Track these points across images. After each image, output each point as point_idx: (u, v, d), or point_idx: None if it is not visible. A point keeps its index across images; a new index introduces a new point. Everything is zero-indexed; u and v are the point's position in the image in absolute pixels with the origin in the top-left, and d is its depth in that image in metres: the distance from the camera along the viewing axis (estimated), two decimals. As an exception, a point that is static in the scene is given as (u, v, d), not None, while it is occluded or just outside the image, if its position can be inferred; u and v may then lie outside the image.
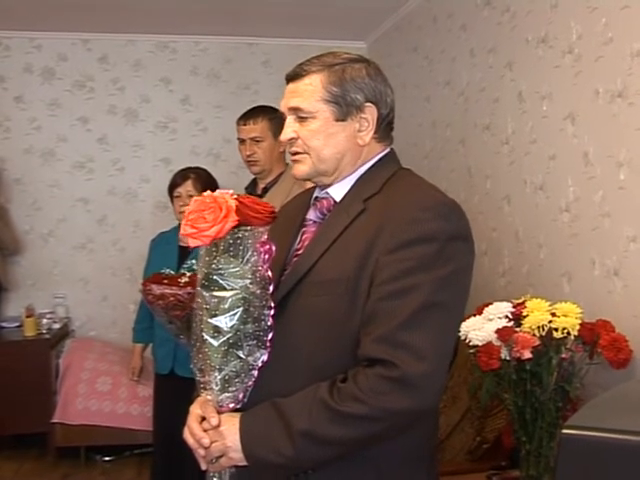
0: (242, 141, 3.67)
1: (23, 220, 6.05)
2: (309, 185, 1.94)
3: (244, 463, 1.62)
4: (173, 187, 3.96)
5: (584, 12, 3.08)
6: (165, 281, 2.54)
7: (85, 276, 6.17)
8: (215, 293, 1.60)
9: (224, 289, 1.60)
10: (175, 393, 3.69)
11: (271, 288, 1.66)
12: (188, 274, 2.60)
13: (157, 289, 2.49)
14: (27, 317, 5.52)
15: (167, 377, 3.92)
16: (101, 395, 5.24)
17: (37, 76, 6.08)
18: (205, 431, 1.65)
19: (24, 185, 6.06)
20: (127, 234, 6.20)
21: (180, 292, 2.43)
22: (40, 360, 5.33)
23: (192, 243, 1.60)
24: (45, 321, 5.66)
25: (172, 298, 2.44)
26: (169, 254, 3.81)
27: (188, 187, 3.89)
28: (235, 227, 1.58)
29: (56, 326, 5.73)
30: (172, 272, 2.67)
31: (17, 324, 5.68)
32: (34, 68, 6.07)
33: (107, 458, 5.37)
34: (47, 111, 6.10)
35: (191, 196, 3.76)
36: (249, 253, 1.60)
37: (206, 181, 3.92)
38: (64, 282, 6.11)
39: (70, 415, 5.19)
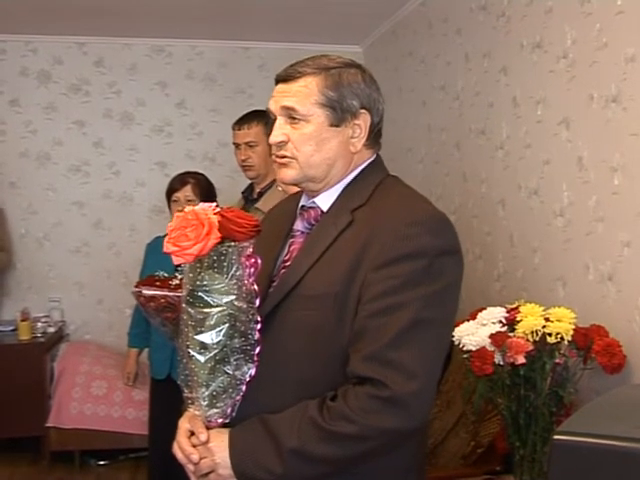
0: (237, 146, 3.67)
1: (18, 223, 6.04)
2: (295, 189, 1.91)
3: (233, 479, 1.61)
4: (171, 192, 3.92)
5: (579, 17, 3.08)
6: (157, 283, 2.55)
7: (80, 280, 6.15)
8: (200, 309, 1.58)
9: (209, 305, 1.57)
10: (171, 398, 3.67)
11: (257, 302, 1.63)
12: (179, 277, 2.61)
13: (147, 291, 2.50)
14: (22, 321, 5.50)
15: (163, 382, 3.90)
16: (96, 399, 5.22)
17: (33, 79, 6.07)
18: (194, 446, 1.64)
19: (19, 189, 6.05)
20: (123, 238, 6.19)
21: (170, 294, 2.43)
22: (35, 364, 5.31)
23: (175, 261, 1.58)
24: (40, 325, 5.65)
25: (162, 300, 2.45)
26: (166, 258, 3.77)
27: (187, 192, 3.85)
28: (219, 242, 1.55)
29: (51, 330, 5.71)
30: (166, 275, 2.67)
31: (12, 328, 5.65)
32: (30, 71, 6.06)
33: (102, 462, 5.35)
34: (43, 114, 6.09)
35: (190, 201, 3.74)
36: (234, 268, 1.58)
37: (205, 186, 3.90)
38: (59, 286, 6.10)
39: (65, 419, 5.18)
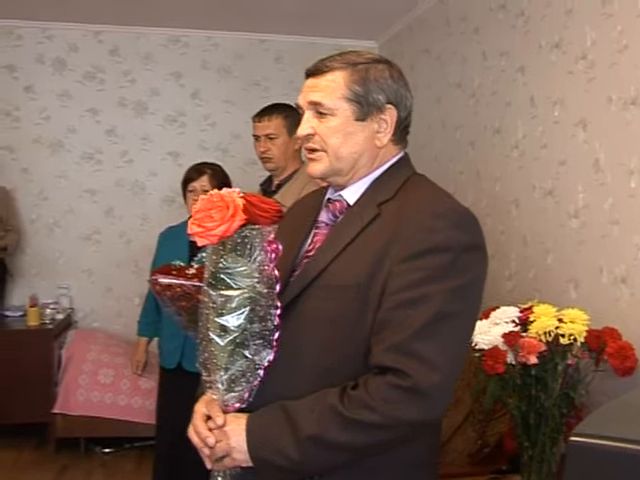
0: (257, 138, 3.67)
1: (30, 209, 6.06)
2: (323, 183, 1.92)
3: (248, 464, 1.61)
4: (188, 181, 3.90)
5: (599, 19, 3.07)
6: (174, 272, 2.56)
7: (90, 267, 6.17)
8: (222, 292, 1.59)
9: (231, 288, 1.58)
10: (181, 388, 3.68)
11: (278, 287, 1.64)
12: (195, 266, 2.61)
13: (164, 279, 2.50)
14: (31, 307, 5.52)
15: (173, 371, 3.90)
16: (103, 387, 5.24)
17: (48, 66, 6.08)
18: (210, 430, 1.64)
19: (32, 174, 6.07)
20: (134, 227, 6.20)
21: (186, 283, 2.44)
22: (43, 350, 5.33)
23: (199, 242, 1.59)
24: (49, 311, 5.67)
25: (178, 289, 2.46)
26: (179, 248, 3.76)
27: (203, 182, 3.84)
28: (242, 226, 1.57)
29: (59, 316, 5.72)
30: (182, 264, 2.68)
31: (21, 313, 5.69)
32: (45, 58, 6.07)
33: (107, 450, 5.37)
34: (57, 102, 6.10)
35: (206, 191, 3.72)
36: (256, 252, 1.59)
37: (221, 178, 3.89)
38: (69, 273, 6.12)
39: (71, 406, 5.20)
